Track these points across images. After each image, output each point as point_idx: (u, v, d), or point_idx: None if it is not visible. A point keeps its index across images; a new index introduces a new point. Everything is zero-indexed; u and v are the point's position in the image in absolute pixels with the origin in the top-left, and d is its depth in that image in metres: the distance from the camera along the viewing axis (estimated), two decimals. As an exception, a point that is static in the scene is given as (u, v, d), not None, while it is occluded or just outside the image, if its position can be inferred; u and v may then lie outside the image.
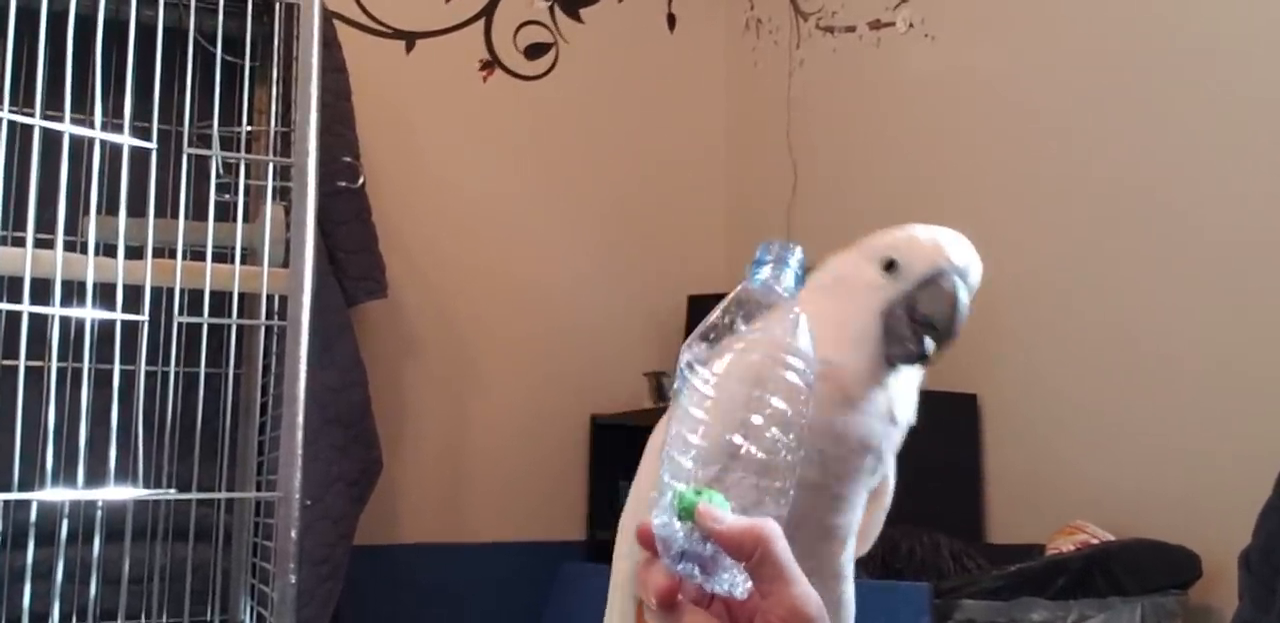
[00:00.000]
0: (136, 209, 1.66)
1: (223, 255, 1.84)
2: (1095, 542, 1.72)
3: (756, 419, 0.58)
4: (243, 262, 1.79)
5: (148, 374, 1.76)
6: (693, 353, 0.61)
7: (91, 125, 1.70)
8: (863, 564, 1.10)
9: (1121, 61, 1.96)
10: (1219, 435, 1.71)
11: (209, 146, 1.76)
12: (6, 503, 1.68)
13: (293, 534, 1.62)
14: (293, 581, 1.61)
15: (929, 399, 0.87)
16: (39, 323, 1.56)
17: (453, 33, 2.76)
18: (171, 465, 1.95)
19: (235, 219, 1.80)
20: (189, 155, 1.75)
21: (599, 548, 2.64)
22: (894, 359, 0.78)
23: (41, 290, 1.58)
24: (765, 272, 0.62)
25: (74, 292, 1.61)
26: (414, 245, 2.59)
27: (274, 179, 1.85)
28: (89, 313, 1.59)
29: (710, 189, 3.02)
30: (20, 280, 1.57)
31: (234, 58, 2.03)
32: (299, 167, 1.71)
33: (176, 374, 1.88)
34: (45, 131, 1.58)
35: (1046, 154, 2.08)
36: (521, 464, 2.68)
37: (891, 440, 0.82)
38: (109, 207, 1.73)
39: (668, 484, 0.58)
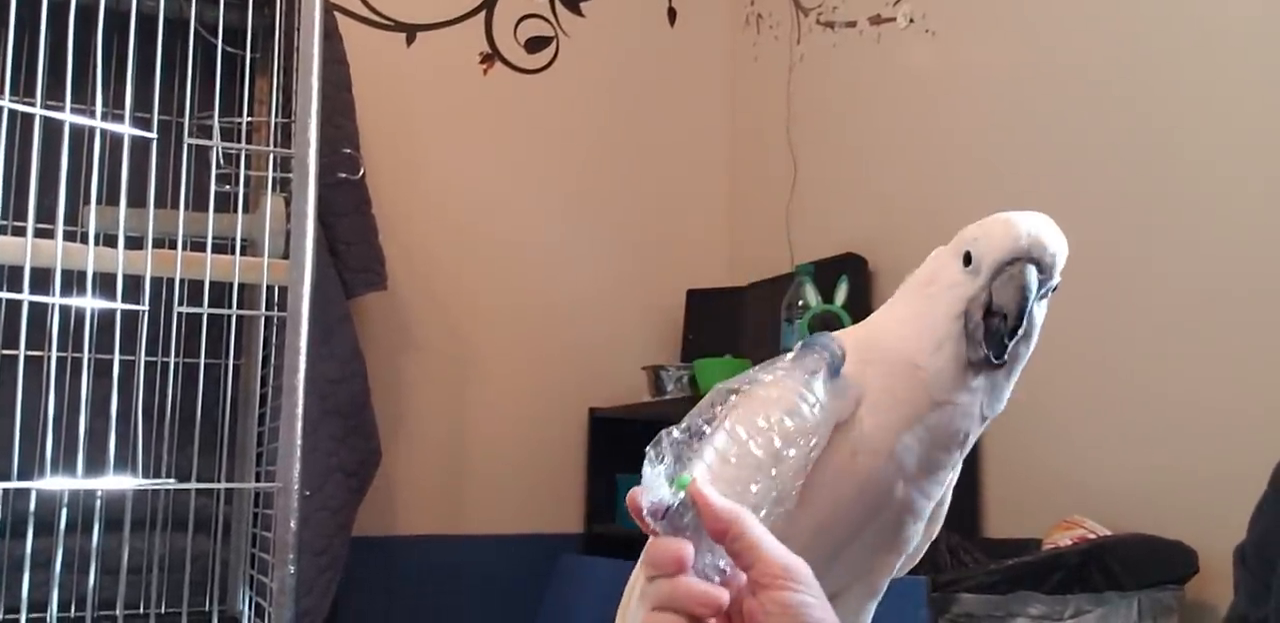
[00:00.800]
0: (137, 199, 1.66)
1: (223, 246, 1.84)
2: (1092, 537, 1.72)
3: (762, 422, 0.65)
4: (243, 252, 1.80)
5: (147, 364, 1.77)
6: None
7: (92, 115, 1.70)
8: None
9: (1122, 57, 1.95)
10: (1215, 431, 1.72)
11: (209, 137, 1.76)
12: (6, 492, 1.68)
13: (292, 525, 1.62)
14: (291, 571, 1.62)
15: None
16: (39, 312, 1.57)
17: (453, 25, 2.76)
18: (171, 456, 1.96)
19: (236, 210, 1.81)
20: (189, 146, 1.76)
21: (596, 541, 2.64)
22: (972, 361, 0.76)
23: (42, 280, 1.58)
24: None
25: (74, 281, 1.61)
26: (414, 237, 2.59)
27: (274, 170, 1.86)
28: (89, 303, 1.60)
29: (710, 183, 3.02)
30: (20, 270, 1.57)
31: (235, 49, 2.04)
32: (299, 158, 1.71)
33: (176, 364, 1.88)
34: (46, 121, 1.58)
35: (1047, 150, 2.08)
36: (520, 457, 2.68)
37: (975, 435, 0.80)
38: (109, 197, 1.73)
39: (669, 446, 0.64)
